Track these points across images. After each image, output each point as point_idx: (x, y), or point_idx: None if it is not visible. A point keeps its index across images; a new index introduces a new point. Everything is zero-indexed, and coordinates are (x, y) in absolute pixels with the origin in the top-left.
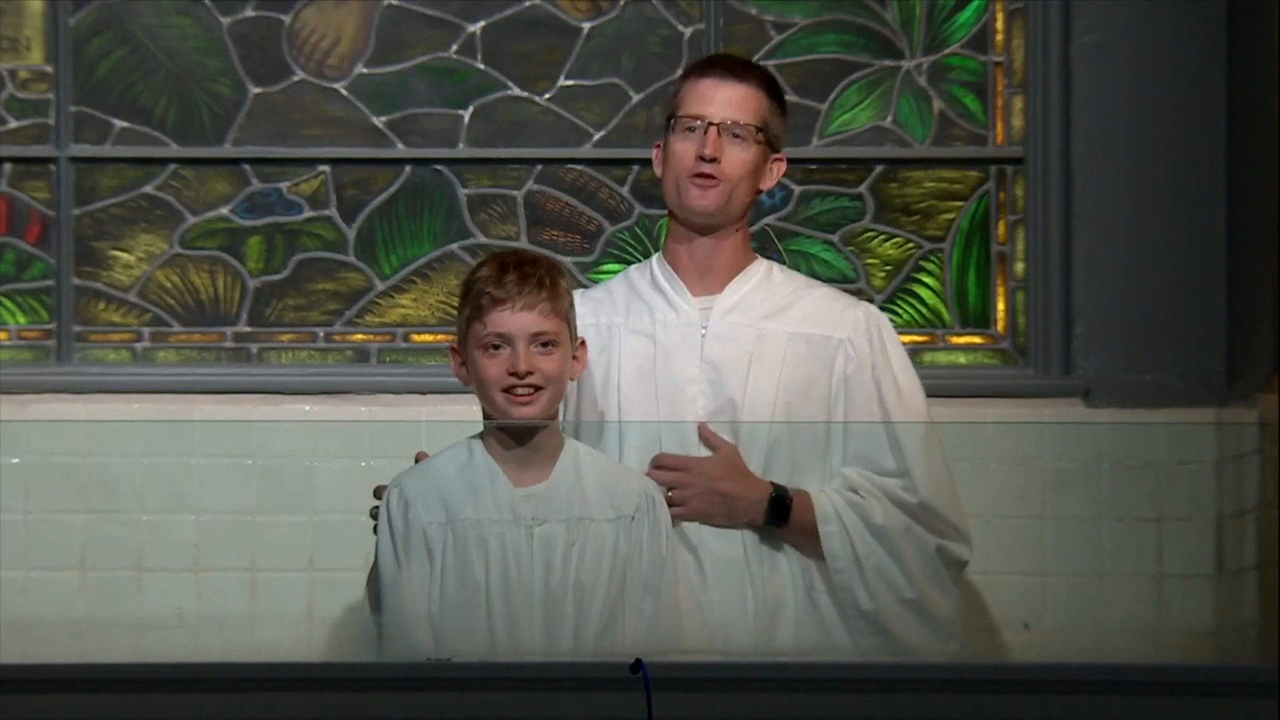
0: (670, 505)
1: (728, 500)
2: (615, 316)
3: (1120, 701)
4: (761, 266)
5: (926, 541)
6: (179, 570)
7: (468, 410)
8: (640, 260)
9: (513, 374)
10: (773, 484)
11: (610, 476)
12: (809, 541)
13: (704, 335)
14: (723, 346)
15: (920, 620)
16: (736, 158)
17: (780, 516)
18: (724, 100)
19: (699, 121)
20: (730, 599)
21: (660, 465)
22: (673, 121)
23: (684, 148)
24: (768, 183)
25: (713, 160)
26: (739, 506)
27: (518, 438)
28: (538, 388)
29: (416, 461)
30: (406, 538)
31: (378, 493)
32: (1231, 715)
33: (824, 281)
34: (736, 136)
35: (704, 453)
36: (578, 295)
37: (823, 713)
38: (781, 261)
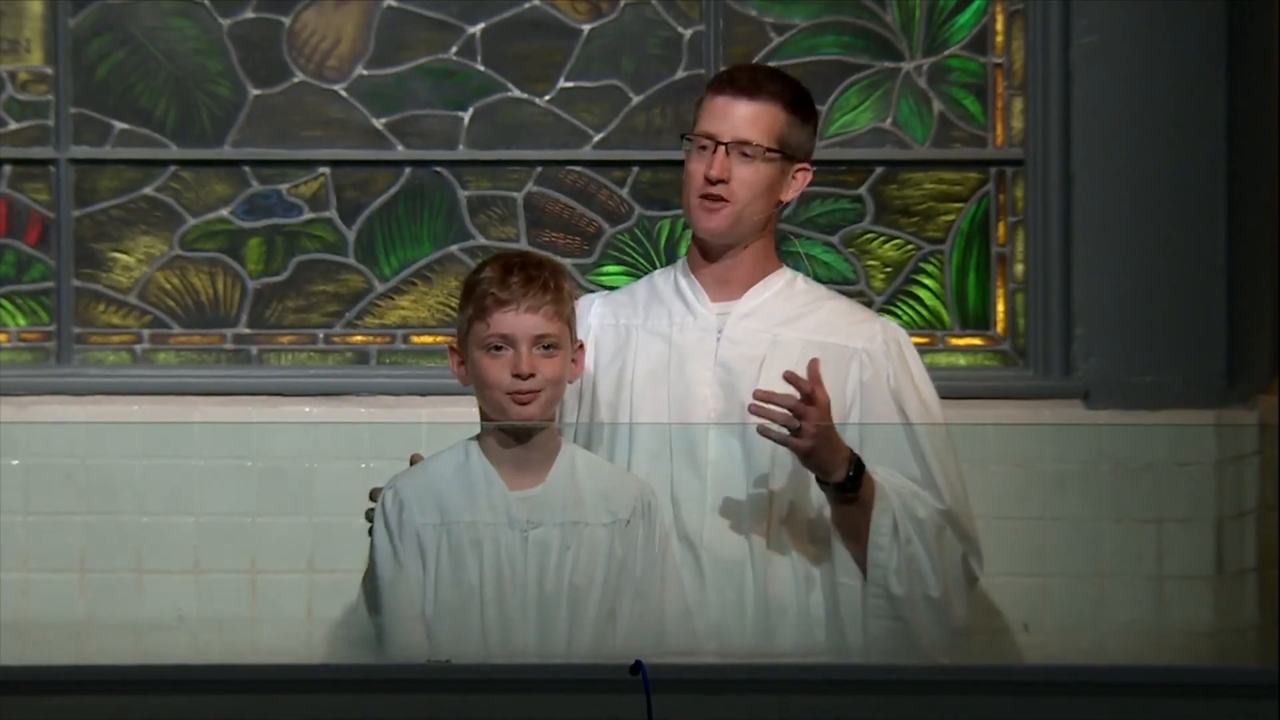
0: (794, 434)
1: (832, 444)
2: (635, 318)
3: (1120, 703)
4: (784, 276)
5: (955, 546)
6: (179, 572)
7: (468, 412)
8: (638, 261)
9: (515, 375)
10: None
11: (607, 480)
12: (860, 516)
13: (719, 339)
14: (736, 350)
15: (938, 623)
16: (745, 178)
17: (857, 479)
18: (735, 119)
19: (709, 140)
20: (729, 601)
21: (799, 386)
22: (691, 137)
23: (695, 167)
24: (789, 194)
25: (719, 181)
26: (835, 455)
27: (515, 440)
28: (538, 390)
29: (411, 463)
30: (402, 539)
31: (373, 495)
32: (1231, 717)
33: (836, 289)
34: (746, 156)
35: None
36: (601, 297)
37: (822, 714)
38: (805, 270)
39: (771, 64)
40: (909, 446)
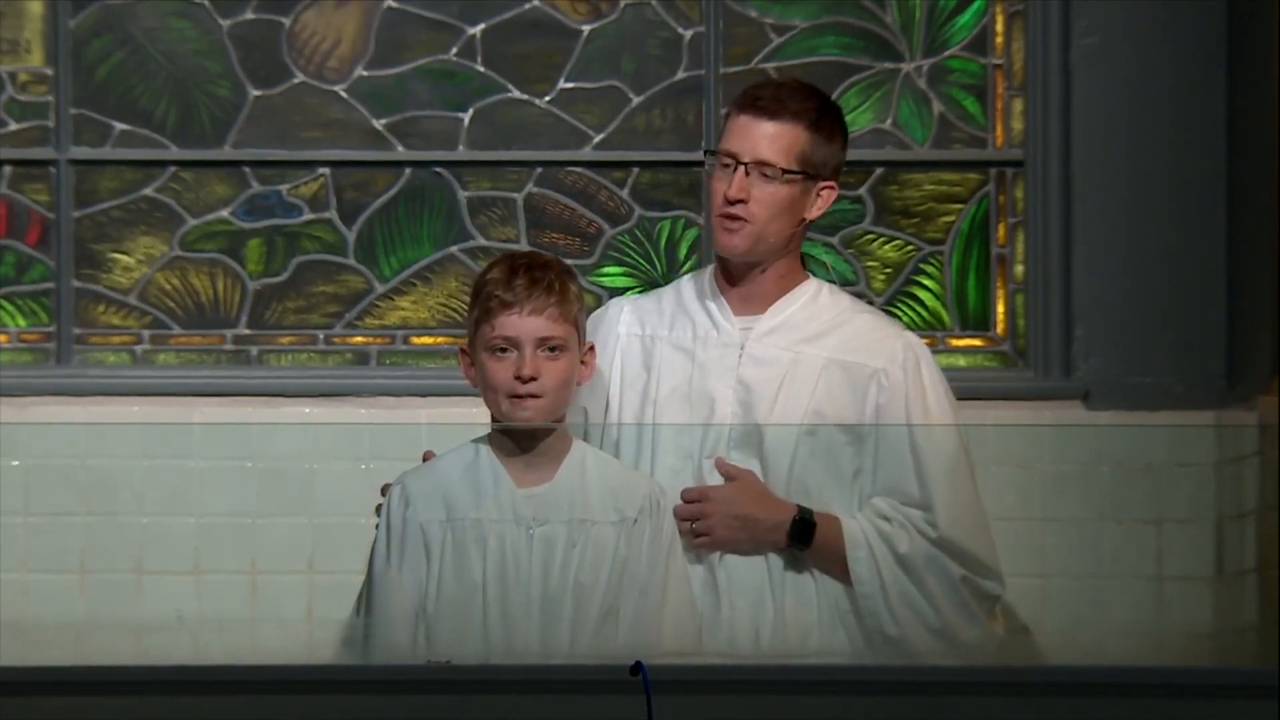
0: (696, 537)
1: (749, 524)
2: (660, 329)
3: (1120, 704)
4: (810, 288)
5: (951, 572)
6: (179, 572)
7: (468, 413)
8: (638, 262)
9: (518, 378)
10: (798, 506)
11: (615, 479)
12: (834, 566)
13: (741, 356)
14: (757, 368)
15: (947, 649)
16: (764, 198)
17: (804, 539)
18: (756, 138)
19: (730, 158)
20: (745, 619)
21: (682, 499)
22: (713, 154)
23: (716, 186)
24: (814, 212)
25: (738, 201)
26: (761, 528)
27: (524, 439)
28: (539, 394)
29: (424, 461)
30: (403, 535)
31: (385, 490)
32: (1232, 717)
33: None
34: (765, 176)
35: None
36: (630, 303)
37: (823, 715)
38: (826, 276)
39: (772, 65)
40: (913, 468)
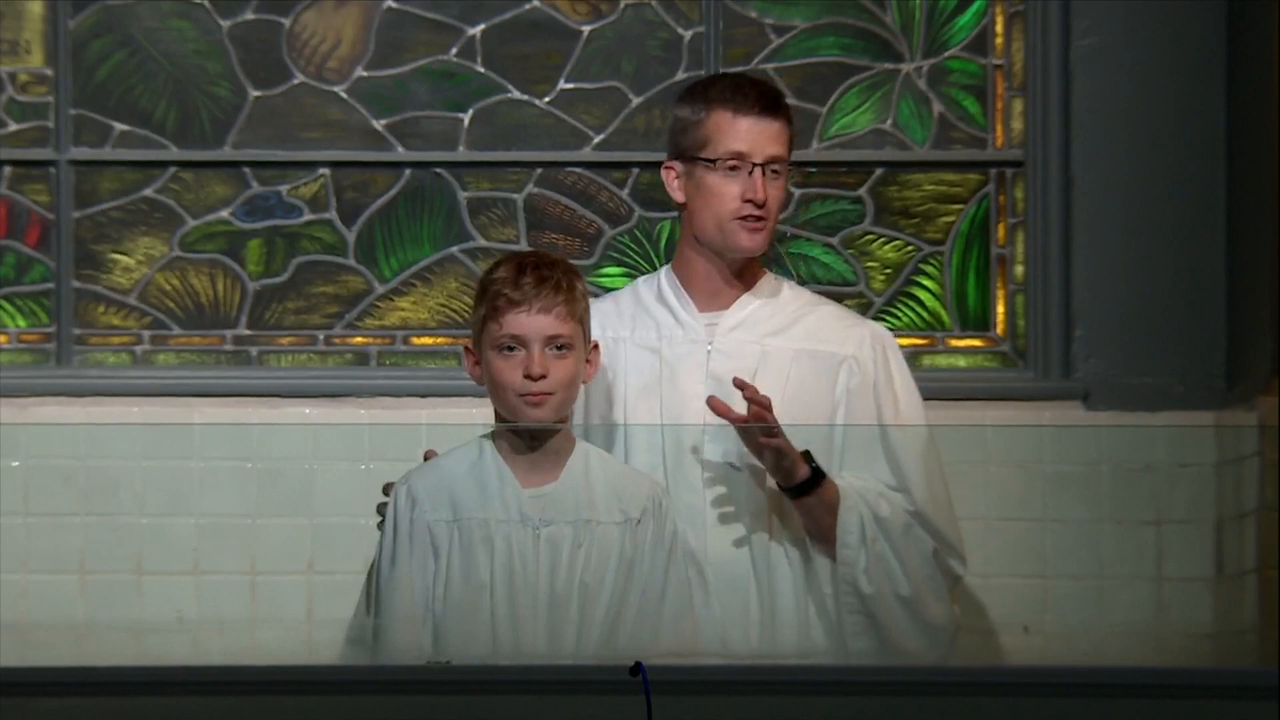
0: (772, 436)
1: (790, 446)
2: (622, 330)
3: (1120, 705)
4: (770, 283)
5: (924, 543)
6: (179, 573)
7: (468, 414)
8: (638, 262)
9: (526, 376)
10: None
11: (619, 479)
12: (827, 515)
13: (709, 351)
14: (728, 363)
15: (913, 621)
16: (777, 194)
17: (818, 474)
18: (765, 139)
19: (741, 160)
20: (734, 613)
21: (754, 399)
22: (713, 159)
23: (728, 189)
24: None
25: (763, 203)
26: (792, 455)
27: (529, 438)
28: (549, 392)
29: (425, 460)
30: (410, 535)
31: (387, 489)
32: (1231, 717)
33: (823, 288)
34: (775, 173)
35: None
36: None
37: (821, 716)
38: (787, 273)
39: (771, 65)
40: (883, 451)
